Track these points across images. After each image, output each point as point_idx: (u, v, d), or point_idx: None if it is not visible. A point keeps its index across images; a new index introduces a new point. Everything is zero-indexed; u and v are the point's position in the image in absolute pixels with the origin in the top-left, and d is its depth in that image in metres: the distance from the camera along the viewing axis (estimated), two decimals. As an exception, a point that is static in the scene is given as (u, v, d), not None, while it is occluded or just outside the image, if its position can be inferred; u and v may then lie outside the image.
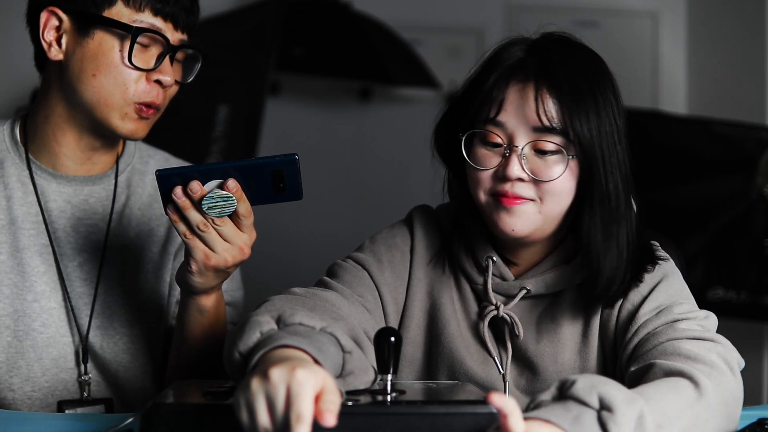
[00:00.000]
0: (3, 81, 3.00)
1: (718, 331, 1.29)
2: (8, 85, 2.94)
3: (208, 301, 1.42)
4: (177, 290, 1.52)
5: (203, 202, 1.28)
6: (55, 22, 1.49)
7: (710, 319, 1.31)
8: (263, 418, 0.95)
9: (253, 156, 2.90)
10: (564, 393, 1.02)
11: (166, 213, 1.31)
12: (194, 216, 1.30)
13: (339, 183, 3.49)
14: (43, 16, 1.48)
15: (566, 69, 1.31)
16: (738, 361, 1.24)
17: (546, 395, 1.02)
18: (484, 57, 1.39)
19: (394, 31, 3.32)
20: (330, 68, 3.32)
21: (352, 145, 3.52)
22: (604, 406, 0.99)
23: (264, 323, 1.14)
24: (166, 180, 1.29)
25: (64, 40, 1.49)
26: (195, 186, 1.28)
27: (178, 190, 1.28)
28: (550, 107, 1.29)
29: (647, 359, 1.23)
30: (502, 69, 1.33)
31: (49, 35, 1.49)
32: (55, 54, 1.49)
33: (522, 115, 1.30)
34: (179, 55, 1.54)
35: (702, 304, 1.36)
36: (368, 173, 3.52)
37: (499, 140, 1.32)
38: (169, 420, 1.02)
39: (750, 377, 1.26)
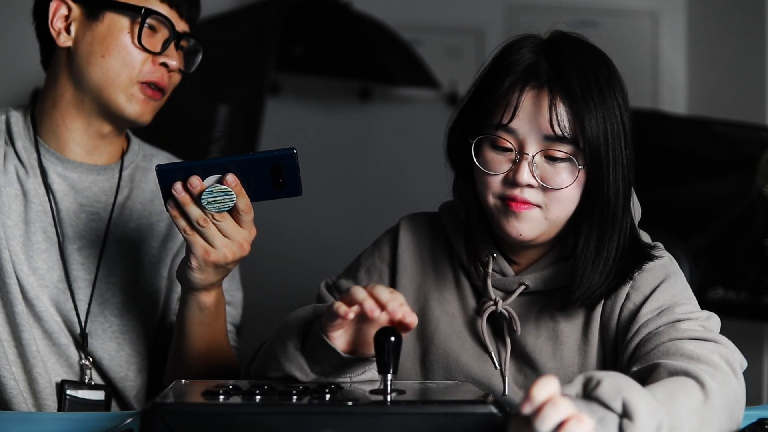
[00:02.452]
0: (3, 81, 3.00)
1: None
2: (8, 85, 2.94)
3: (208, 298, 1.43)
4: (178, 287, 1.53)
5: (203, 197, 1.29)
6: (64, 11, 1.54)
7: (712, 320, 1.31)
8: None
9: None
10: (589, 392, 1.00)
11: (167, 209, 1.33)
12: (194, 211, 1.31)
13: (339, 182, 3.48)
14: (53, 5, 1.54)
15: (580, 75, 1.30)
16: (740, 362, 1.24)
17: (570, 390, 1.00)
18: (491, 56, 1.38)
19: (394, 31, 3.32)
20: (330, 68, 3.32)
21: (352, 145, 3.51)
22: (626, 413, 0.97)
23: (304, 311, 1.27)
24: (167, 175, 1.30)
25: (73, 27, 1.54)
26: (194, 181, 1.29)
27: (178, 185, 1.30)
28: (563, 116, 1.29)
29: (650, 359, 1.23)
30: (515, 74, 1.32)
31: (58, 23, 1.54)
32: (64, 41, 1.54)
33: (534, 122, 1.30)
34: (182, 44, 1.59)
35: (702, 304, 1.36)
36: (368, 173, 3.52)
37: (509, 145, 1.32)
38: (169, 420, 1.03)
39: (750, 377, 1.26)
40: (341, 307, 1.16)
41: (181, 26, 1.57)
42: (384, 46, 3.28)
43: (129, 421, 1.14)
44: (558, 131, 1.29)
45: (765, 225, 2.79)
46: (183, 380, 1.26)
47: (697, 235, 2.85)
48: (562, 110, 1.29)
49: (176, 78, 1.59)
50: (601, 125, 1.29)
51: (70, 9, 1.54)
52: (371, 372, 1.25)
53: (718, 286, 2.84)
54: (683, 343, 1.23)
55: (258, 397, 1.08)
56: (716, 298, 2.82)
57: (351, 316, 1.16)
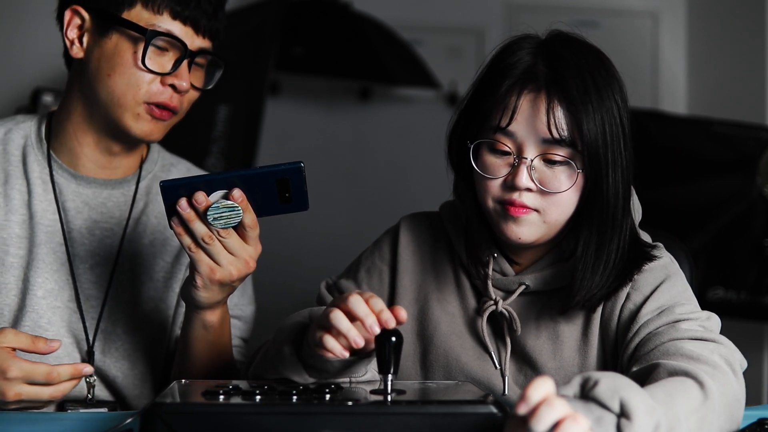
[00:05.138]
0: (3, 81, 3.00)
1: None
2: (8, 86, 2.94)
3: (213, 317, 1.41)
4: None
5: (208, 213, 1.27)
6: (77, 20, 1.52)
7: (712, 320, 1.31)
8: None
9: (252, 160, 2.90)
10: (586, 392, 1.00)
11: (170, 226, 1.30)
12: (199, 228, 1.29)
13: (339, 183, 3.49)
14: (67, 14, 1.52)
15: (577, 77, 1.29)
16: (740, 362, 1.23)
17: (568, 390, 1.00)
18: (489, 57, 1.38)
19: (394, 31, 3.32)
20: (330, 68, 3.32)
21: (352, 145, 3.51)
22: (623, 413, 0.97)
23: (300, 316, 1.26)
24: (171, 192, 1.28)
25: (85, 39, 1.51)
26: (200, 197, 1.27)
27: (183, 201, 1.27)
28: (561, 119, 1.29)
29: (650, 359, 1.23)
30: (513, 77, 1.31)
31: (72, 33, 1.52)
32: (77, 52, 1.52)
33: (532, 125, 1.30)
34: (201, 60, 1.54)
35: (702, 304, 1.36)
36: (368, 173, 3.52)
37: (507, 149, 1.32)
38: (169, 420, 1.02)
39: (750, 377, 1.26)
40: (336, 348, 1.16)
41: (197, 42, 1.50)
42: (384, 46, 3.28)
43: (129, 421, 1.14)
44: (556, 134, 1.29)
45: (765, 225, 2.79)
46: (183, 380, 1.26)
47: (697, 235, 2.85)
48: (559, 113, 1.29)
49: (192, 95, 1.54)
50: (600, 127, 1.29)
51: (83, 19, 1.51)
52: (372, 372, 1.25)
53: (718, 286, 2.84)
54: (683, 343, 1.22)
55: (258, 397, 1.08)
56: (716, 298, 2.82)
57: (347, 355, 1.16)
